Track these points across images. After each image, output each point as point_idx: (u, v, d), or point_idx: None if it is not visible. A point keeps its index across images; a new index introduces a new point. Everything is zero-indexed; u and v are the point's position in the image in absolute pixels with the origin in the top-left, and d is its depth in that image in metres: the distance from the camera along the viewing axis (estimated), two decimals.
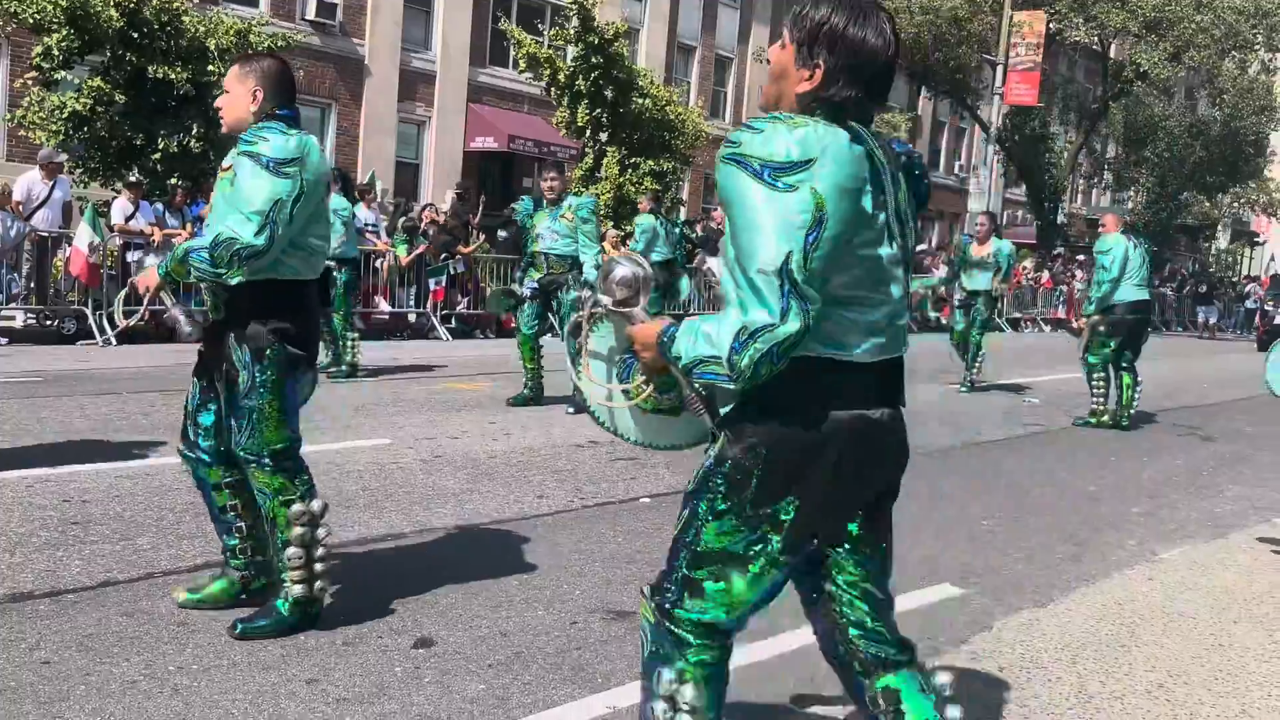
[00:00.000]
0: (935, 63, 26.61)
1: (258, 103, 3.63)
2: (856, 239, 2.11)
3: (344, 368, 9.96)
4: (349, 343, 10.07)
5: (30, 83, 13.41)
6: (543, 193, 8.79)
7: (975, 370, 11.62)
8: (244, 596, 3.88)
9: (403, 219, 16.49)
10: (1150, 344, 10.45)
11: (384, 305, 15.04)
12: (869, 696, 2.38)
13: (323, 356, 9.81)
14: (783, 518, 2.22)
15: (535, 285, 8.80)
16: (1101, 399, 9.75)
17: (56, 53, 13.00)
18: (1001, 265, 11.39)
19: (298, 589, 3.68)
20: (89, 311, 11.74)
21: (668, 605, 2.31)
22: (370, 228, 15.19)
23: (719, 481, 2.24)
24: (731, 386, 2.13)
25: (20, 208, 11.89)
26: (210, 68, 13.68)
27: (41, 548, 4.43)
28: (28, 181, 12.24)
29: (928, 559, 5.21)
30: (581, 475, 6.38)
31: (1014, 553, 5.44)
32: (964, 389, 11.47)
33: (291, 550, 3.66)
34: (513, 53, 21.58)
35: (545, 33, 22.43)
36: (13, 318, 12.02)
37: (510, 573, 4.50)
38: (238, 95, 3.67)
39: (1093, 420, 9.73)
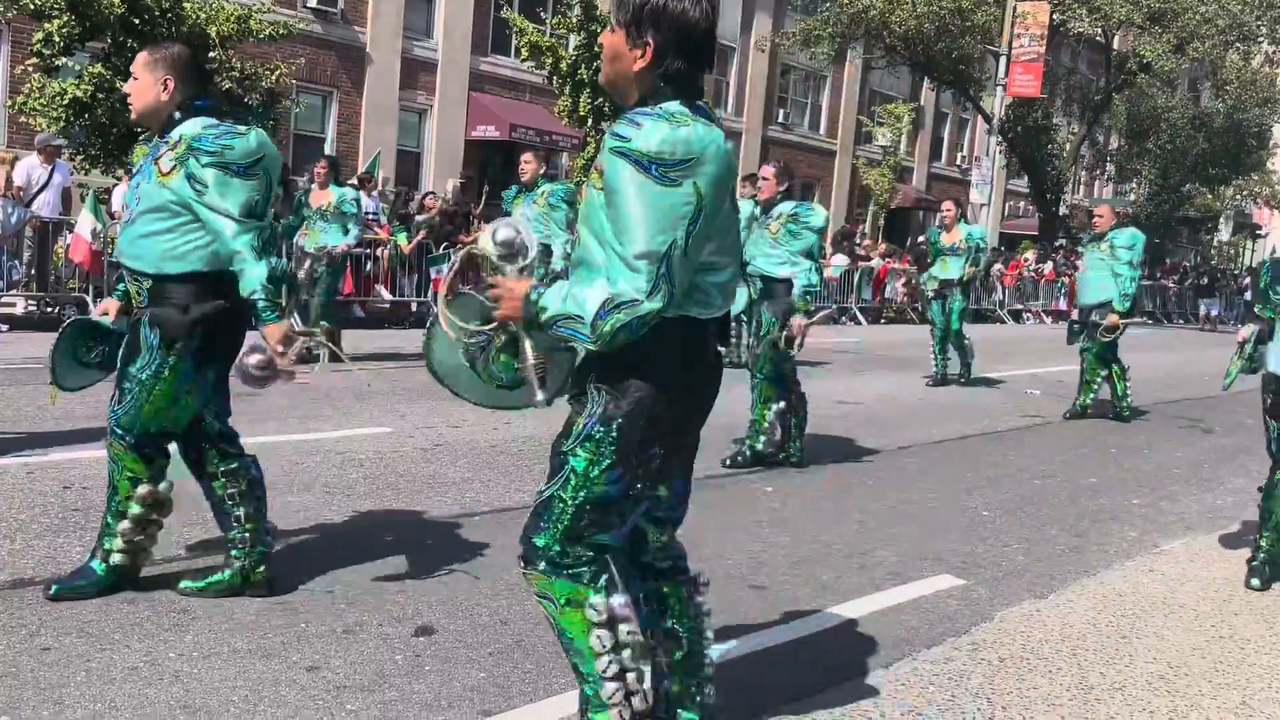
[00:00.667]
0: (938, 53, 26.51)
1: (169, 92, 3.68)
2: (719, 217, 2.45)
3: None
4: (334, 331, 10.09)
5: (31, 69, 13.36)
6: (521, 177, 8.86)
7: (964, 370, 11.30)
8: (244, 586, 3.88)
9: (406, 208, 16.47)
10: (1152, 336, 10.45)
11: (385, 294, 15.02)
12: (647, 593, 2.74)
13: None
14: (655, 462, 2.55)
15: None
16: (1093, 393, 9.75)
17: (57, 39, 12.95)
18: (972, 250, 11.14)
19: (118, 557, 3.81)
20: (89, 299, 11.73)
21: (555, 560, 2.57)
22: (371, 215, 15.17)
23: (610, 436, 2.49)
24: (591, 347, 2.41)
25: (21, 193, 11.86)
26: (212, 54, 13.63)
27: (42, 534, 4.43)
28: (27, 167, 12.20)
29: (929, 550, 5.21)
30: None
31: (1015, 544, 5.44)
32: (931, 382, 11.14)
33: (126, 524, 3.79)
34: (515, 41, 21.51)
35: (547, 21, 22.34)
36: (13, 304, 12.00)
37: (511, 561, 4.48)
38: (146, 84, 3.71)
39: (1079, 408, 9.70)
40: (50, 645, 3.39)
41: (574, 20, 18.70)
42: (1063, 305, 26.20)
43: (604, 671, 2.58)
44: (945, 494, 6.42)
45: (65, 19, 12.82)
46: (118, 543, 3.79)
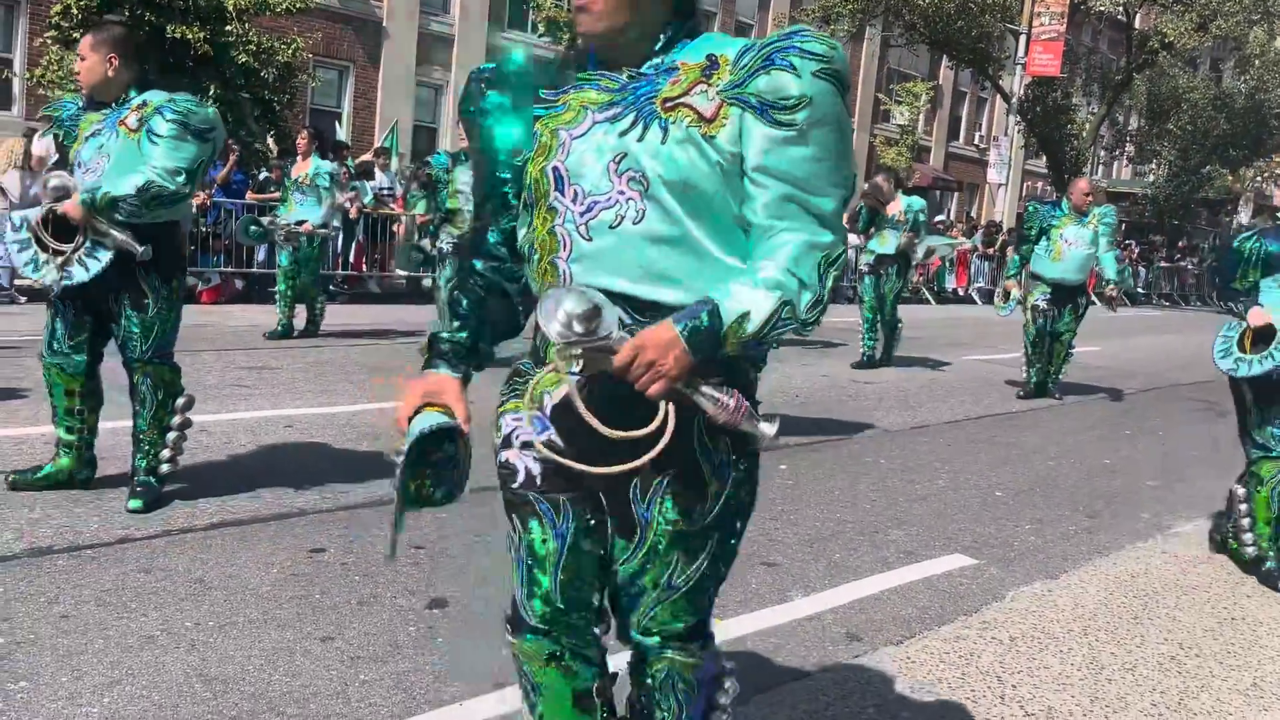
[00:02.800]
0: (957, 31, 26.30)
1: (114, 68, 4.30)
2: None
3: (279, 329, 9.76)
4: (319, 305, 10.07)
5: (49, 42, 13.39)
6: (462, 147, 8.51)
7: (885, 354, 10.63)
8: (69, 483, 4.57)
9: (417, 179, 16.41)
10: (1168, 317, 10.39)
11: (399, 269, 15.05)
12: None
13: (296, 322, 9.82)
14: None
15: (454, 241, 8.47)
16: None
17: (75, 11, 12.98)
18: (910, 221, 10.45)
19: (166, 466, 4.56)
20: None
21: (708, 641, 2.18)
22: (386, 191, 15.17)
23: (745, 500, 2.06)
24: (806, 326, 1.89)
25: (41, 163, 11.89)
26: (228, 28, 13.65)
27: (60, 503, 4.46)
28: (47, 140, 12.22)
29: (941, 529, 5.21)
30: None
31: (1027, 524, 5.44)
32: (858, 364, 10.42)
33: (173, 434, 4.57)
34: (532, 16, 21.44)
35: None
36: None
37: None
38: (93, 62, 4.29)
39: (1033, 384, 9.43)
40: (69, 613, 3.42)
41: None
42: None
43: None
44: (958, 474, 6.42)
45: None
46: (165, 453, 4.54)
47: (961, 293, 23.18)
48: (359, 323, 11.12)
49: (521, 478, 2.09)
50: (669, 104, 1.87)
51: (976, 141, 37.59)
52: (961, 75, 34.75)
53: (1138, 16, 30.03)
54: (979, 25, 26.47)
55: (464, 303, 2.08)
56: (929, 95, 30.21)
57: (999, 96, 31.47)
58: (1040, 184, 37.96)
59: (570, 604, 2.09)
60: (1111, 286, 9.22)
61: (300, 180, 9.75)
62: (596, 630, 2.17)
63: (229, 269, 12.95)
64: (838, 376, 9.92)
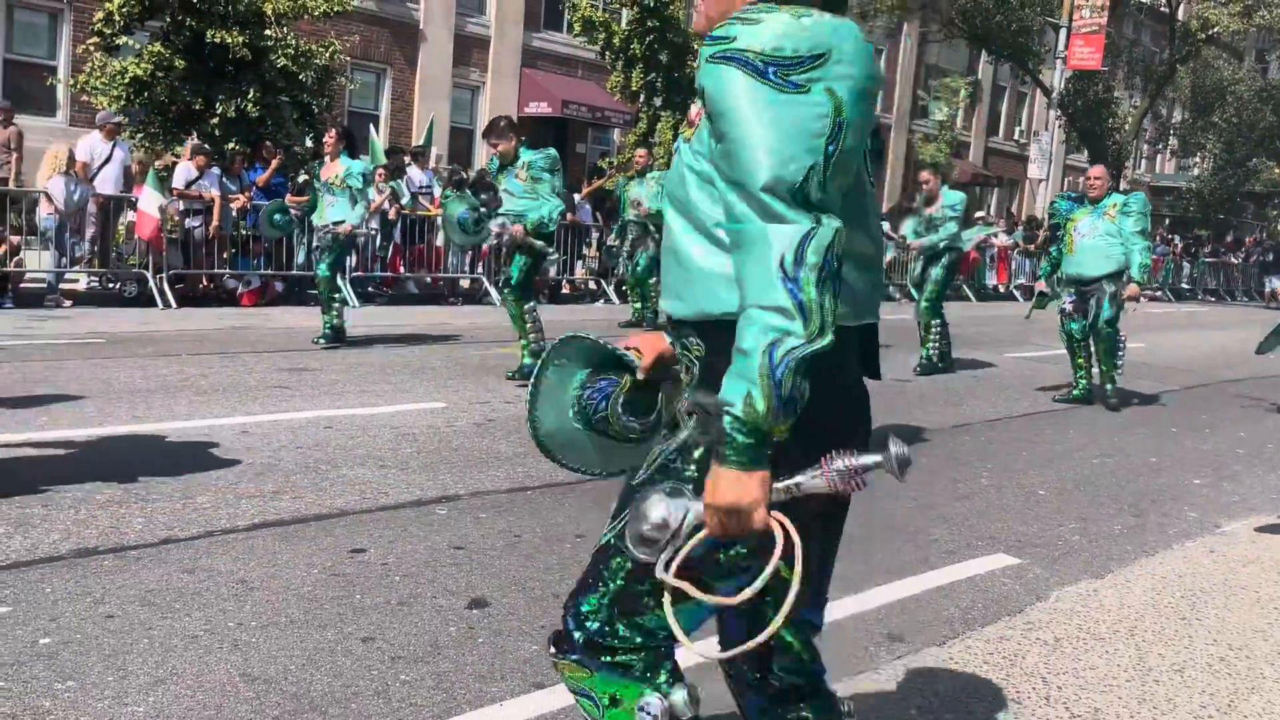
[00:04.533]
0: (996, 26, 26.07)
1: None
2: (857, 154, 1.69)
3: (328, 332, 9.40)
4: (334, 306, 9.50)
5: (92, 48, 13.56)
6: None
7: (926, 360, 10.17)
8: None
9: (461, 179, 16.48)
10: (1216, 313, 10.19)
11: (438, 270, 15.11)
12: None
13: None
14: None
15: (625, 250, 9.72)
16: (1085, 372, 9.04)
17: (118, 18, 13.13)
18: (944, 218, 10.04)
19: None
20: (149, 274, 11.92)
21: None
22: (424, 190, 15.24)
23: None
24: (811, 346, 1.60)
25: (85, 169, 12.06)
26: (267, 32, 13.76)
27: (105, 505, 4.52)
28: (89, 144, 12.41)
29: (983, 528, 5.16)
30: None
31: (1072, 523, 5.37)
32: (919, 371, 10.13)
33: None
34: (567, 16, 21.47)
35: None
36: (76, 280, 12.23)
37: (563, 536, 4.52)
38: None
39: (1077, 394, 8.97)
40: (114, 613, 3.46)
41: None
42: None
43: None
44: (1001, 473, 6.35)
45: None
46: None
47: (1003, 290, 22.96)
48: (397, 324, 11.19)
49: None
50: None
51: (1016, 136, 37.26)
52: (1001, 70, 34.46)
53: (1181, 7, 29.62)
54: (1018, 19, 26.26)
55: None
56: (968, 91, 29.97)
57: (1039, 91, 31.17)
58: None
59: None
60: (1132, 286, 8.52)
61: (331, 182, 9.41)
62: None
63: (269, 271, 13.06)
64: None
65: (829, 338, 1.57)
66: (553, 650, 1.90)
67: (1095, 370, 8.94)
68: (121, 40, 13.39)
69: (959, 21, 26.29)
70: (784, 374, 1.55)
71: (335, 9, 14.61)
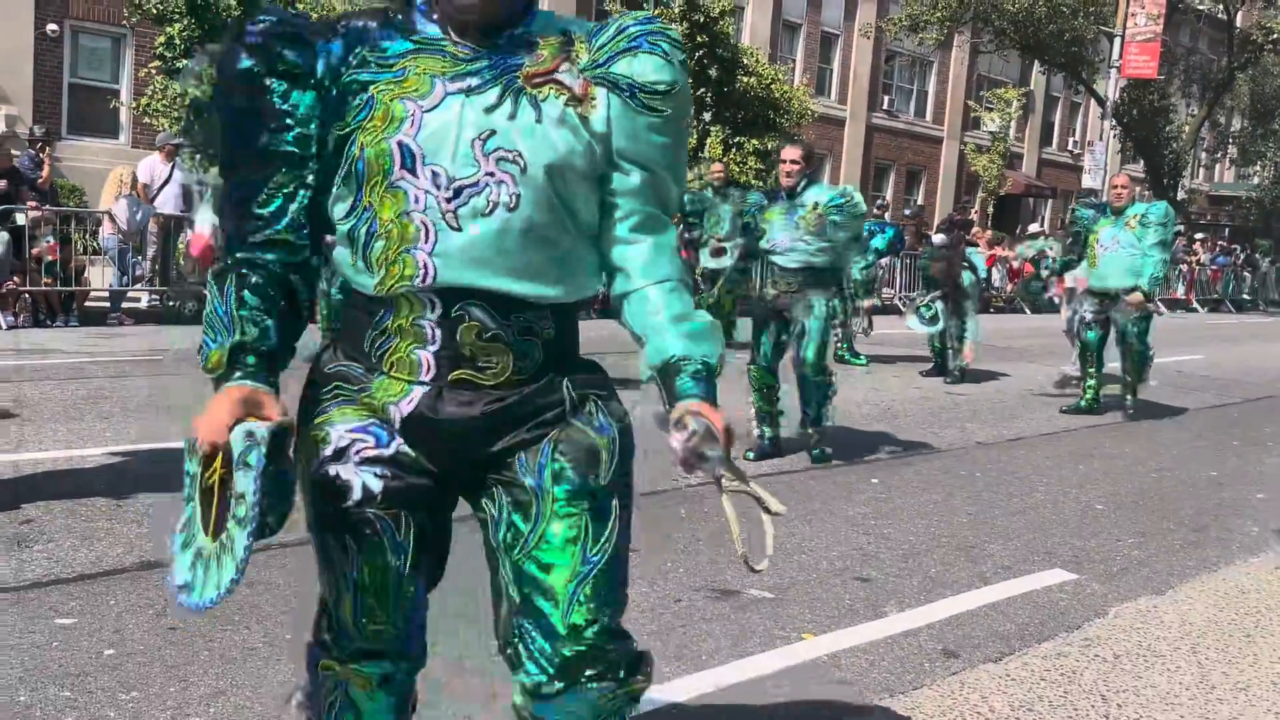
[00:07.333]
0: (1049, 35, 25.80)
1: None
2: None
3: None
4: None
5: (154, 71, 13.87)
6: None
7: (957, 362, 10.33)
8: None
9: None
10: (1277, 324, 9.98)
11: None
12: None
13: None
14: None
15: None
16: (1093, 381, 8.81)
17: (179, 42, 13.42)
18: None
19: None
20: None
21: (644, 658, 1.85)
22: None
23: (628, 465, 1.88)
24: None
25: (146, 190, 12.32)
26: None
27: (165, 518, 4.59)
28: (149, 165, 12.67)
29: (1039, 543, 5.10)
30: None
31: (1130, 538, 5.29)
32: (956, 376, 10.26)
33: None
34: None
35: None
36: (138, 299, 12.48)
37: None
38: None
39: (1082, 403, 8.77)
40: (176, 625, 3.52)
41: (676, 10, 18.68)
42: (1180, 293, 25.37)
43: None
44: (1057, 487, 6.27)
45: (186, 23, 13.28)
46: None
47: (1056, 301, 22.66)
48: None
49: (358, 494, 1.76)
50: (537, 80, 1.72)
51: (1070, 147, 36.82)
52: (1054, 80, 34.10)
53: (1239, 14, 29.15)
54: (1071, 28, 25.96)
55: (253, 302, 1.74)
56: (1020, 101, 29.68)
57: (1093, 100, 30.81)
58: (1138, 189, 37.01)
59: (409, 623, 1.91)
60: (1135, 295, 8.24)
61: None
62: (425, 647, 2.01)
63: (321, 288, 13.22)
64: (930, 389, 9.77)
65: None
66: (629, 679, 1.79)
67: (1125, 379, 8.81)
68: (182, 64, 13.67)
69: (1011, 31, 26.06)
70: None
71: None
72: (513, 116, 1.68)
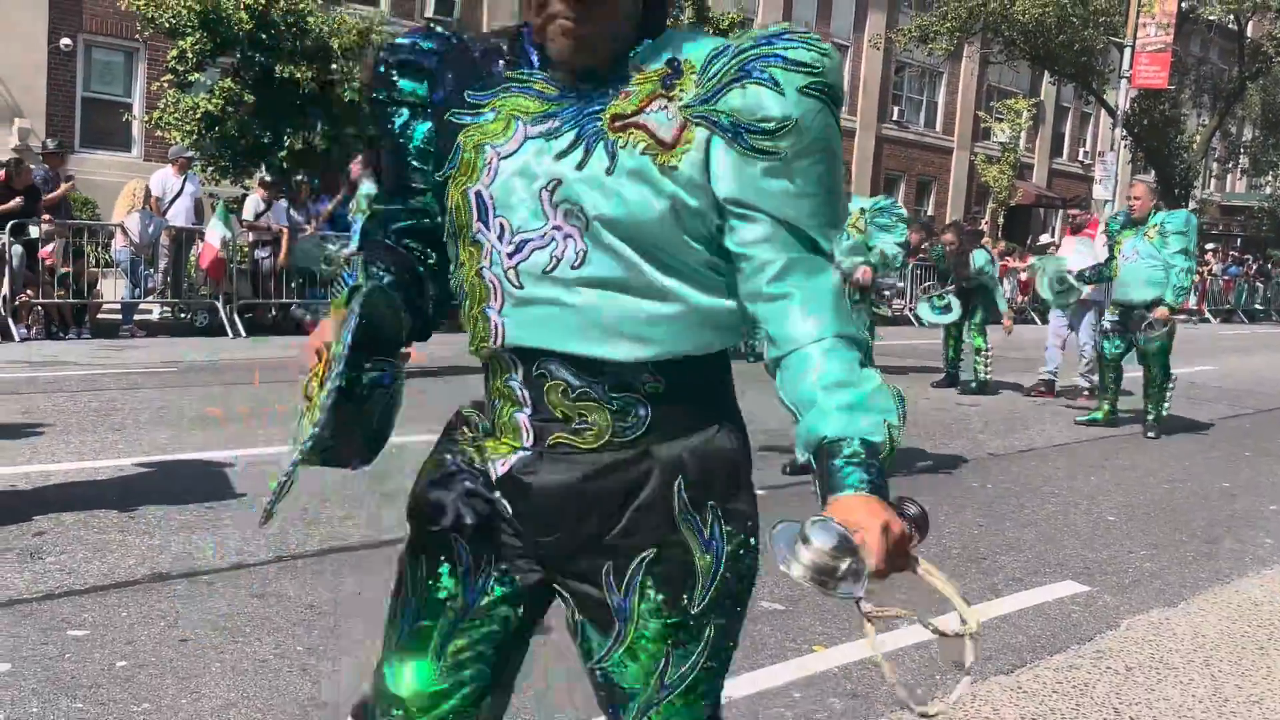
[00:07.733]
0: (1059, 46, 25.79)
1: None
2: None
3: None
4: None
5: (166, 85, 13.95)
6: None
7: (982, 369, 10.34)
8: None
9: None
10: None
11: None
12: None
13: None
14: None
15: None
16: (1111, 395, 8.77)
17: (190, 55, 13.50)
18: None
19: None
20: (220, 305, 12.18)
21: None
22: None
23: (746, 578, 1.63)
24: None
25: (158, 204, 12.39)
26: (334, 66, 14.06)
27: (178, 530, 4.61)
28: (162, 178, 12.74)
29: (1051, 555, 5.08)
30: None
31: (1142, 550, 5.27)
32: (973, 387, 10.28)
33: None
34: None
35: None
36: (149, 311, 12.54)
37: None
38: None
39: (1098, 415, 8.72)
40: (187, 637, 3.53)
41: (685, 21, 18.74)
42: (1192, 303, 25.27)
43: None
44: (1069, 498, 6.25)
45: (198, 36, 13.36)
46: None
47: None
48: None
49: (449, 519, 1.67)
50: (619, 123, 1.48)
51: (1080, 157, 36.77)
52: (1064, 90, 34.08)
53: (1250, 24, 29.12)
54: (1081, 39, 25.96)
55: (383, 268, 1.67)
56: (1031, 112, 29.67)
57: (1104, 111, 30.78)
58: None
59: (453, 683, 1.68)
60: (1161, 309, 8.03)
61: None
62: None
63: None
64: (942, 400, 9.76)
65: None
66: None
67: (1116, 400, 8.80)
68: (194, 77, 13.75)
69: (1021, 42, 26.06)
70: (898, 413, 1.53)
71: None
72: (581, 166, 1.47)
